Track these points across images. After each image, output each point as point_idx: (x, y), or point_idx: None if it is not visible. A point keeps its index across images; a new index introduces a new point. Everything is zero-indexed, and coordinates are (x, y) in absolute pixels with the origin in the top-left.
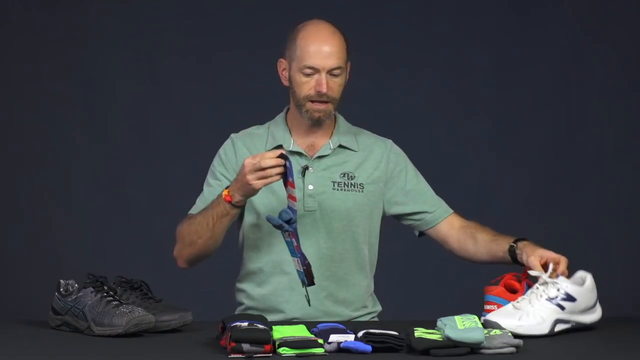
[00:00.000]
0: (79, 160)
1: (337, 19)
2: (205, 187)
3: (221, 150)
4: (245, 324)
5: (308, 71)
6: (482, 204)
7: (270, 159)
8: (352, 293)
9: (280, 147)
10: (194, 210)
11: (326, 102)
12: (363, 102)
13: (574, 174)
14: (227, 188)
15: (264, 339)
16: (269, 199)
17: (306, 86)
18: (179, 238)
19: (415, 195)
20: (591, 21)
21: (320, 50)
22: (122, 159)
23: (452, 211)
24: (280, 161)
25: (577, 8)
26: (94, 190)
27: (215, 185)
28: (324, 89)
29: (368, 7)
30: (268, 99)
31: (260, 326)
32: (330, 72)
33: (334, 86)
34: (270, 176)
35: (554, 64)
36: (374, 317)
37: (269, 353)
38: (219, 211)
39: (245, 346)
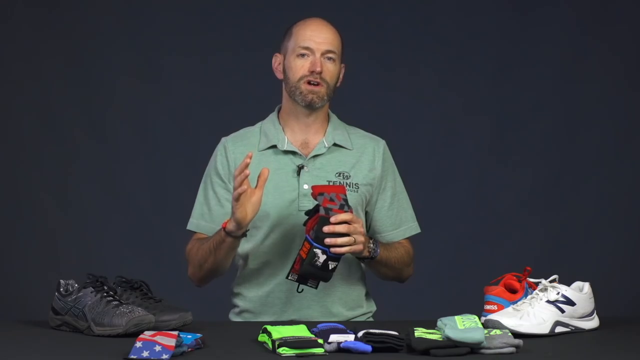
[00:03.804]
0: (78, 160)
1: (337, 19)
2: (211, 199)
3: (216, 161)
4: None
5: (303, 51)
6: (482, 204)
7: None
8: (348, 292)
9: (274, 147)
10: (196, 216)
11: (320, 85)
12: (363, 102)
13: (574, 174)
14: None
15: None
16: (274, 197)
17: (300, 68)
18: (189, 260)
19: (383, 213)
20: (591, 21)
21: (315, 34)
22: (122, 158)
23: (402, 238)
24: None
25: (577, 8)
26: (94, 190)
27: (220, 194)
28: (318, 67)
29: (368, 7)
30: (268, 99)
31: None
32: (324, 55)
33: (327, 70)
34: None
35: (554, 64)
36: (369, 317)
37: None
38: (217, 238)
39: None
